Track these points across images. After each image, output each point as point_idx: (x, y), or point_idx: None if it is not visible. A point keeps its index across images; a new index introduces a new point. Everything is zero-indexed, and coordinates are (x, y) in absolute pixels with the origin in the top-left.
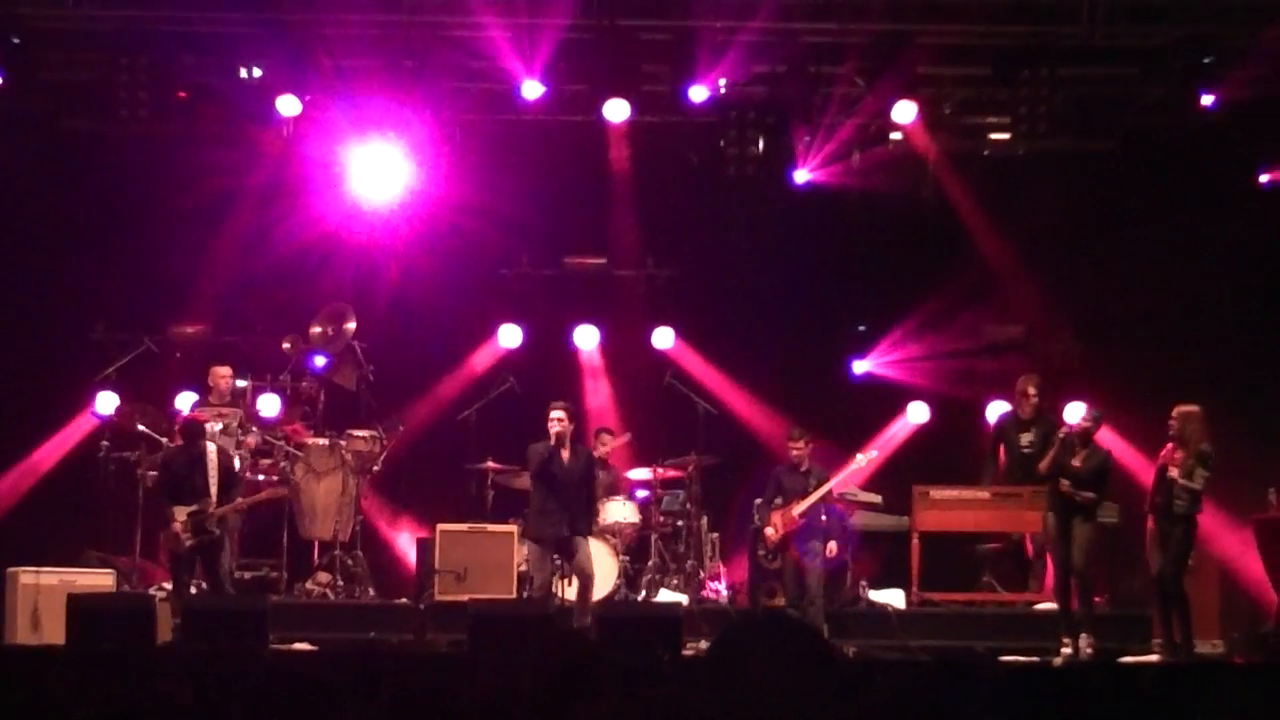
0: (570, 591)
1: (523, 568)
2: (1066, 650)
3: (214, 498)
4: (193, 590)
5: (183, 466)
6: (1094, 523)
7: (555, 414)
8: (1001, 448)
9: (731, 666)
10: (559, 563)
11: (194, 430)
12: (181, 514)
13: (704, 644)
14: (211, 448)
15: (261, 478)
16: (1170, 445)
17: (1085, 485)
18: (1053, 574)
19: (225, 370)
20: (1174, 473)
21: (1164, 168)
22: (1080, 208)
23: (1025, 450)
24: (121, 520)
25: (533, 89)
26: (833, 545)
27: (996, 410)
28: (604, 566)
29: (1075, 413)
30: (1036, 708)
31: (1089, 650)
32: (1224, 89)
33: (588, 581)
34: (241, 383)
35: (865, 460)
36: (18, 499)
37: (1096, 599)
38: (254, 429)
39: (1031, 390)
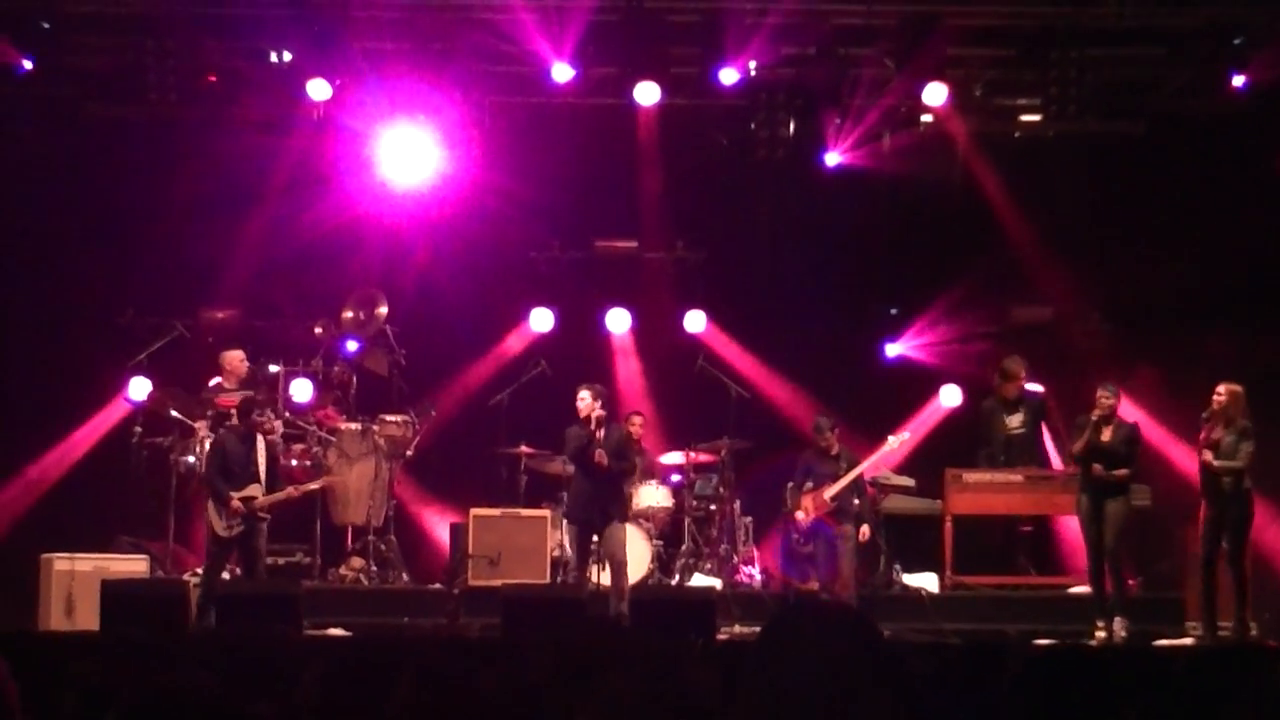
0: (605, 577)
1: (556, 552)
2: (1100, 633)
3: (263, 484)
4: (225, 575)
5: (238, 449)
6: (1126, 502)
7: (581, 395)
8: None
9: (781, 654)
10: (596, 547)
11: (244, 411)
12: (234, 500)
13: (737, 628)
14: (260, 436)
15: (295, 463)
16: (1207, 428)
17: (1119, 459)
18: (1086, 556)
19: (237, 354)
20: (1207, 456)
21: (1192, 150)
22: (1108, 190)
23: (1016, 431)
24: (155, 506)
25: (562, 72)
26: (865, 529)
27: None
28: (637, 551)
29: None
30: (1070, 691)
31: (1123, 633)
32: (1253, 71)
33: (618, 568)
34: (274, 368)
35: (897, 442)
36: (51, 485)
37: (1129, 582)
38: (285, 414)
39: (1020, 371)
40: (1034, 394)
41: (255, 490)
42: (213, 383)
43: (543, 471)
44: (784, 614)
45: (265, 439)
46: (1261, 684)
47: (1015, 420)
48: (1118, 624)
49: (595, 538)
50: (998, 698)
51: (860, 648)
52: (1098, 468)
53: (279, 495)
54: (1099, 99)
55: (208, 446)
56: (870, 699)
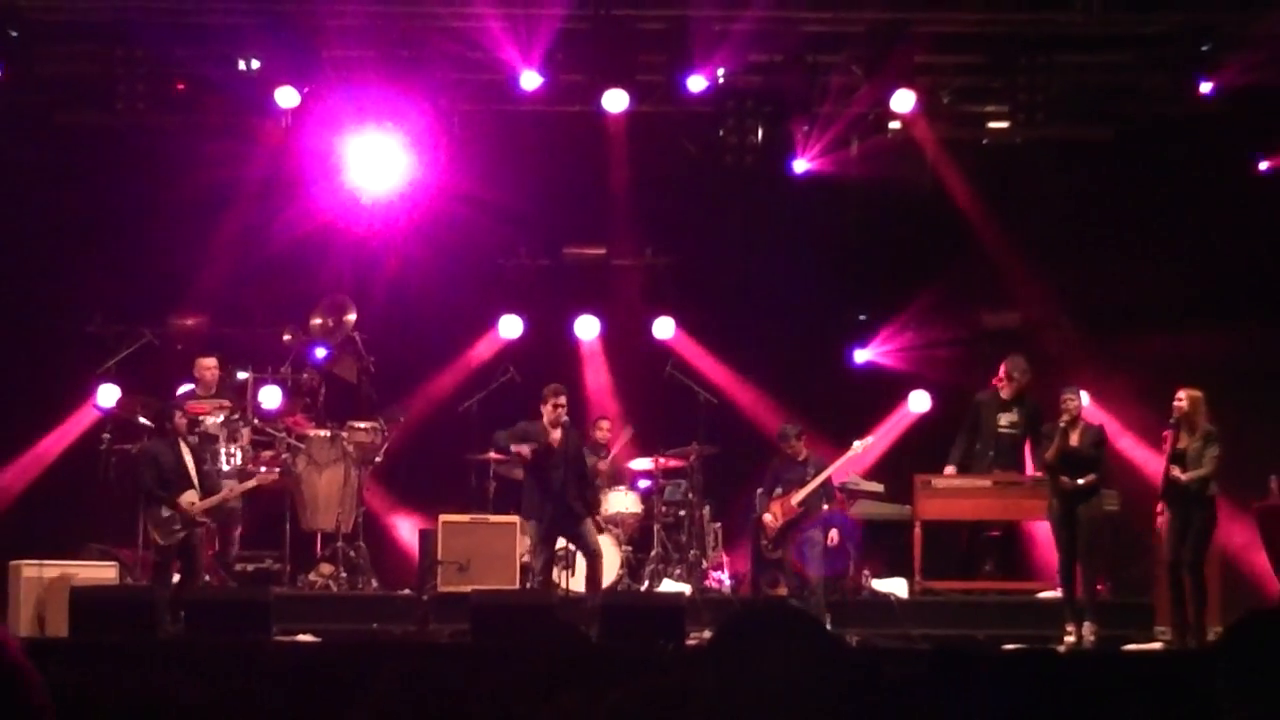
0: (575, 582)
1: (525, 558)
2: (1070, 638)
3: (197, 490)
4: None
5: (169, 457)
6: (1099, 508)
7: (560, 400)
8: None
9: (733, 656)
10: (562, 551)
11: (171, 418)
12: (183, 501)
13: (707, 634)
14: (190, 439)
15: (263, 469)
16: (1170, 436)
17: (1086, 462)
18: (1057, 560)
19: (210, 361)
20: (1175, 471)
21: (1162, 156)
22: (1078, 196)
23: (1005, 430)
24: (124, 513)
25: (530, 79)
26: (834, 533)
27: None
28: (607, 557)
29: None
30: (1040, 695)
31: (1091, 637)
32: (1222, 76)
33: (594, 559)
34: (242, 375)
35: (861, 447)
36: (20, 492)
37: (1099, 587)
38: (256, 422)
39: (1018, 373)
40: (1029, 397)
41: (191, 496)
42: (183, 389)
43: (512, 478)
44: (735, 617)
45: (185, 443)
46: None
47: (1005, 420)
48: (1087, 628)
49: (562, 540)
50: (967, 703)
51: (813, 650)
52: (1065, 479)
53: (214, 499)
54: (1068, 105)
55: (140, 456)
56: (823, 701)
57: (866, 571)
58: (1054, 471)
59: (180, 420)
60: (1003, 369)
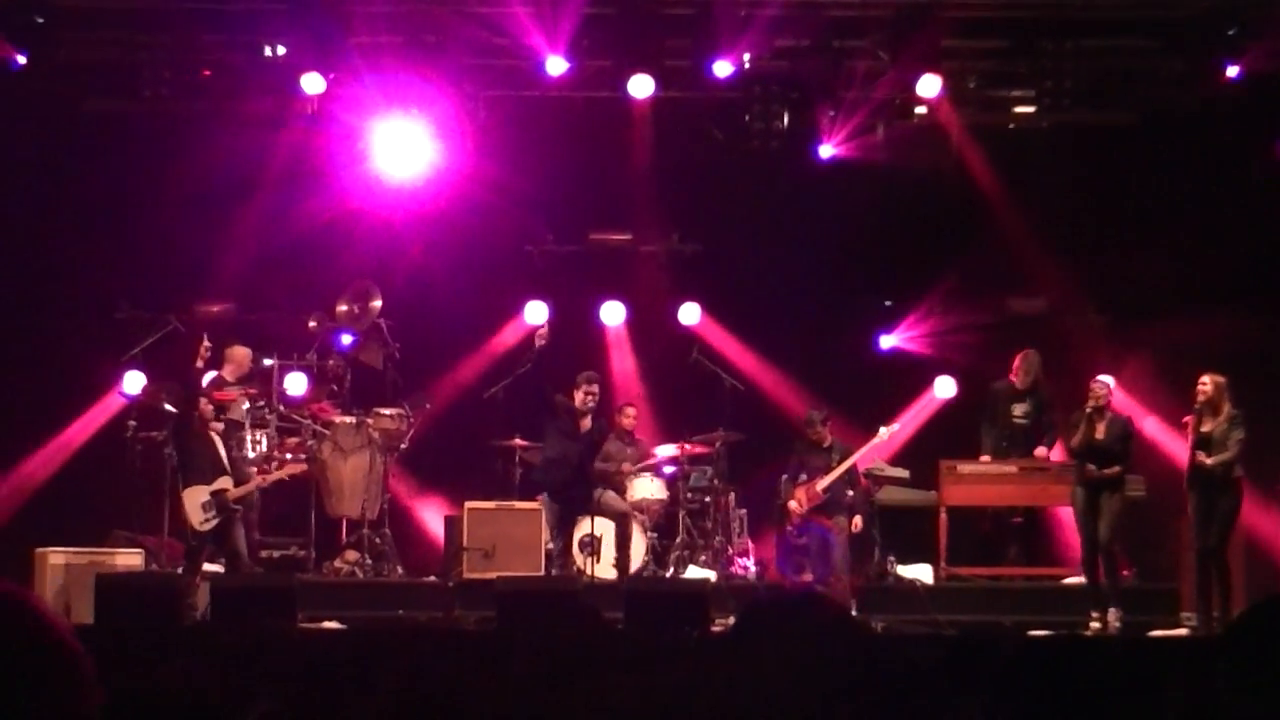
0: (600, 569)
1: (550, 545)
2: (1095, 624)
3: (231, 475)
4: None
5: (200, 441)
6: (1121, 496)
7: (593, 388)
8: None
9: (757, 643)
10: (586, 538)
11: (195, 404)
12: (203, 493)
13: (732, 620)
14: (217, 425)
15: (289, 456)
16: (1191, 418)
17: (1112, 455)
18: (1080, 548)
19: (245, 350)
20: (1200, 456)
21: (1186, 141)
22: (1103, 181)
23: (1019, 420)
24: (149, 499)
25: (556, 65)
26: (858, 520)
27: None
28: (632, 543)
29: (1093, 384)
30: (1065, 681)
31: (1117, 624)
32: (1247, 61)
33: (623, 520)
34: (268, 361)
35: (887, 434)
36: (46, 479)
37: (1124, 573)
38: (278, 407)
39: (1031, 367)
40: (1043, 386)
41: (225, 483)
42: (209, 376)
43: (537, 464)
44: (759, 604)
45: (217, 433)
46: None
47: (1020, 409)
48: (1111, 615)
49: (586, 526)
50: (993, 688)
51: (837, 637)
52: (1091, 467)
53: (248, 487)
54: (1093, 90)
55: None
56: (847, 687)
57: (891, 558)
58: (1079, 460)
59: (206, 407)
60: (1016, 362)
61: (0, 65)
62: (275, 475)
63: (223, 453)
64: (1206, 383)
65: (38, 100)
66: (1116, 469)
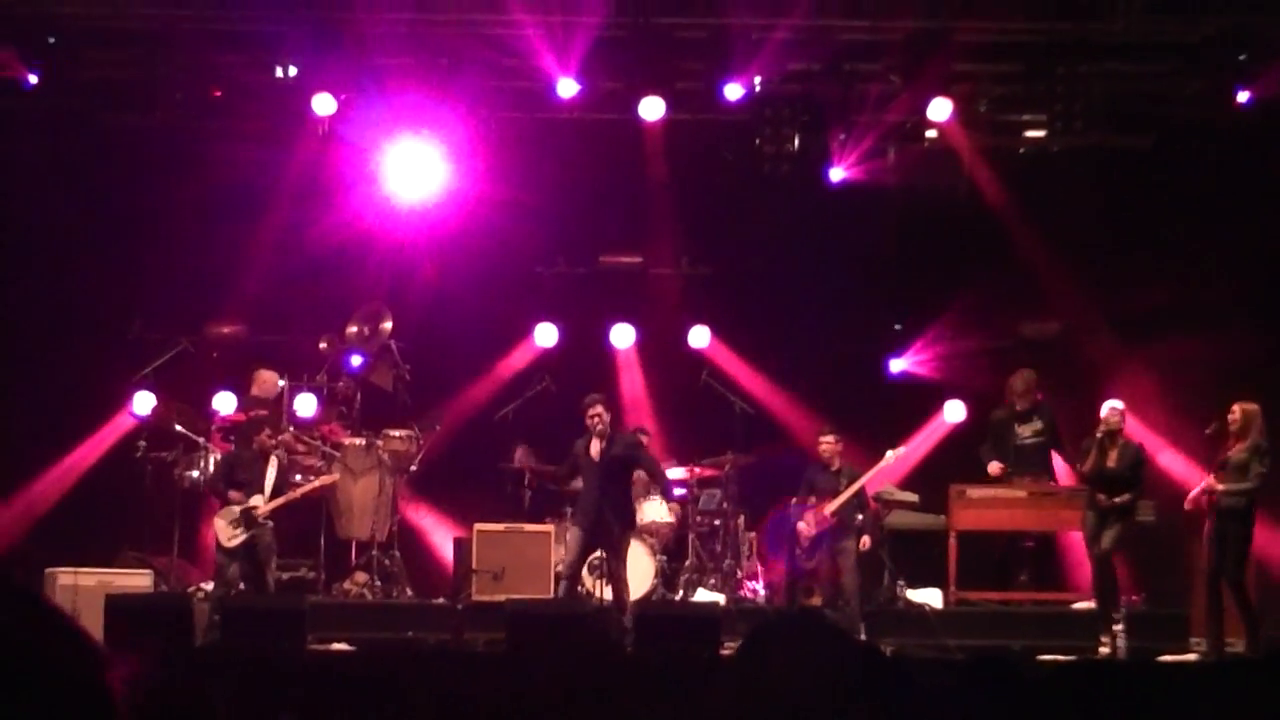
0: (610, 591)
1: (560, 567)
2: (1104, 649)
3: (266, 495)
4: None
5: (249, 460)
6: (1130, 524)
7: (594, 410)
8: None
9: (760, 666)
10: (597, 560)
11: (252, 428)
12: (234, 511)
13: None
14: (278, 452)
15: (299, 477)
16: (1221, 447)
17: (1123, 482)
18: (1091, 572)
19: (272, 375)
20: (1211, 481)
21: (1200, 164)
22: (1116, 204)
23: (1028, 440)
24: (159, 520)
25: (568, 87)
26: (866, 539)
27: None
28: (641, 566)
29: (1111, 409)
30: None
31: (1128, 644)
32: (1260, 84)
33: (617, 583)
34: (280, 382)
35: (894, 457)
36: (56, 500)
37: (1133, 598)
38: (292, 430)
39: (1029, 385)
40: (1044, 402)
41: (258, 500)
42: (220, 396)
43: (547, 487)
44: (763, 627)
45: (278, 459)
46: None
47: (1026, 430)
48: (1120, 639)
49: (600, 551)
50: (1007, 714)
51: (841, 660)
52: (1101, 496)
53: (280, 500)
54: (1105, 113)
55: (214, 460)
56: (852, 711)
57: (901, 581)
58: (1091, 486)
59: (267, 438)
60: (1011, 384)
61: (14, 83)
62: (306, 488)
63: (272, 474)
64: (1236, 412)
65: (50, 119)
66: (1127, 496)
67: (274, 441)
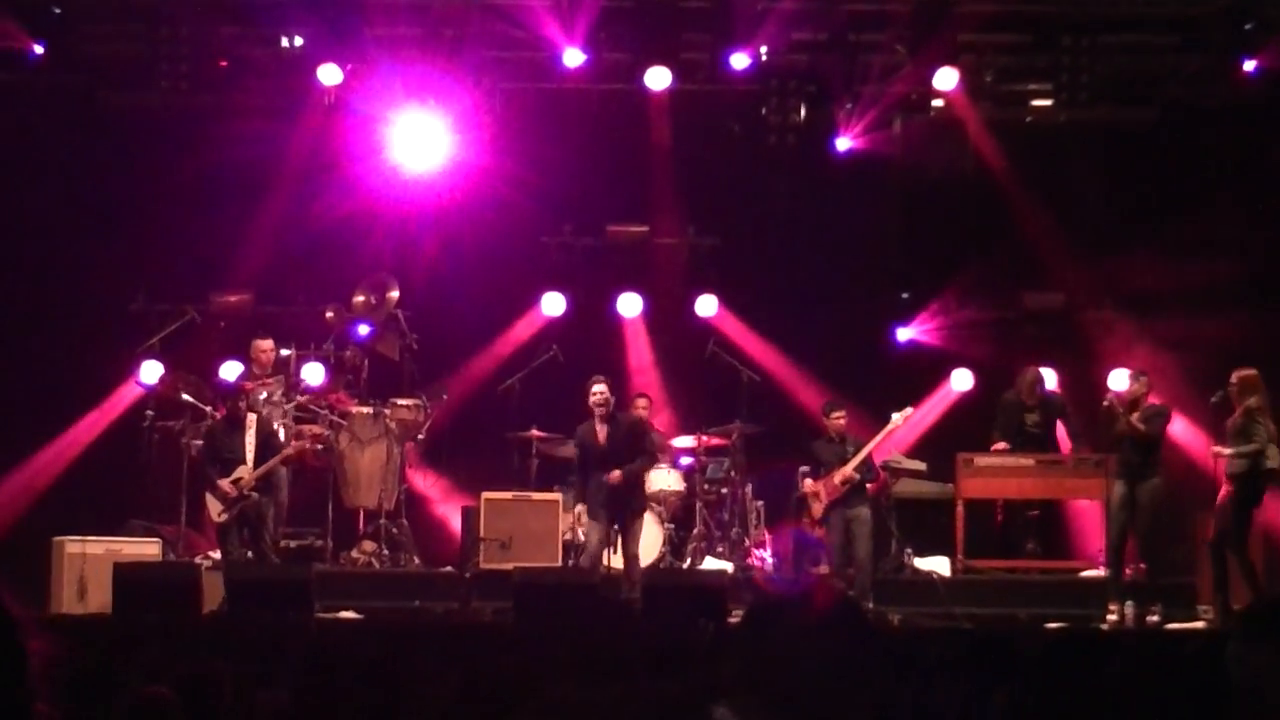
0: (617, 560)
1: (568, 536)
2: (1113, 617)
3: (250, 464)
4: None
5: (221, 436)
6: (1161, 487)
7: (596, 390)
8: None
9: (764, 635)
10: (613, 533)
11: (231, 396)
12: (223, 484)
13: None
14: (252, 416)
15: (306, 445)
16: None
17: (1150, 444)
18: (1107, 539)
19: (267, 344)
20: (1217, 448)
21: (1204, 136)
22: (1121, 177)
23: (1032, 430)
24: (166, 489)
25: (574, 57)
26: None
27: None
28: (649, 535)
29: (1119, 379)
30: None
31: (1155, 618)
32: (1265, 57)
33: (631, 561)
34: (285, 351)
35: (901, 419)
36: (64, 469)
37: (1140, 565)
38: (296, 396)
39: (1039, 381)
40: (1053, 395)
41: (242, 471)
42: (226, 366)
43: (554, 455)
44: (767, 595)
45: (259, 421)
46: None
47: (1032, 419)
48: (1129, 608)
49: (615, 528)
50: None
51: (845, 629)
52: (1130, 460)
53: (263, 468)
54: (1111, 85)
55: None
56: (855, 679)
57: (909, 550)
58: (1119, 449)
59: (241, 404)
60: (1019, 380)
61: (19, 56)
62: (283, 455)
63: (250, 445)
64: (1234, 380)
65: (56, 92)
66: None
67: (253, 402)
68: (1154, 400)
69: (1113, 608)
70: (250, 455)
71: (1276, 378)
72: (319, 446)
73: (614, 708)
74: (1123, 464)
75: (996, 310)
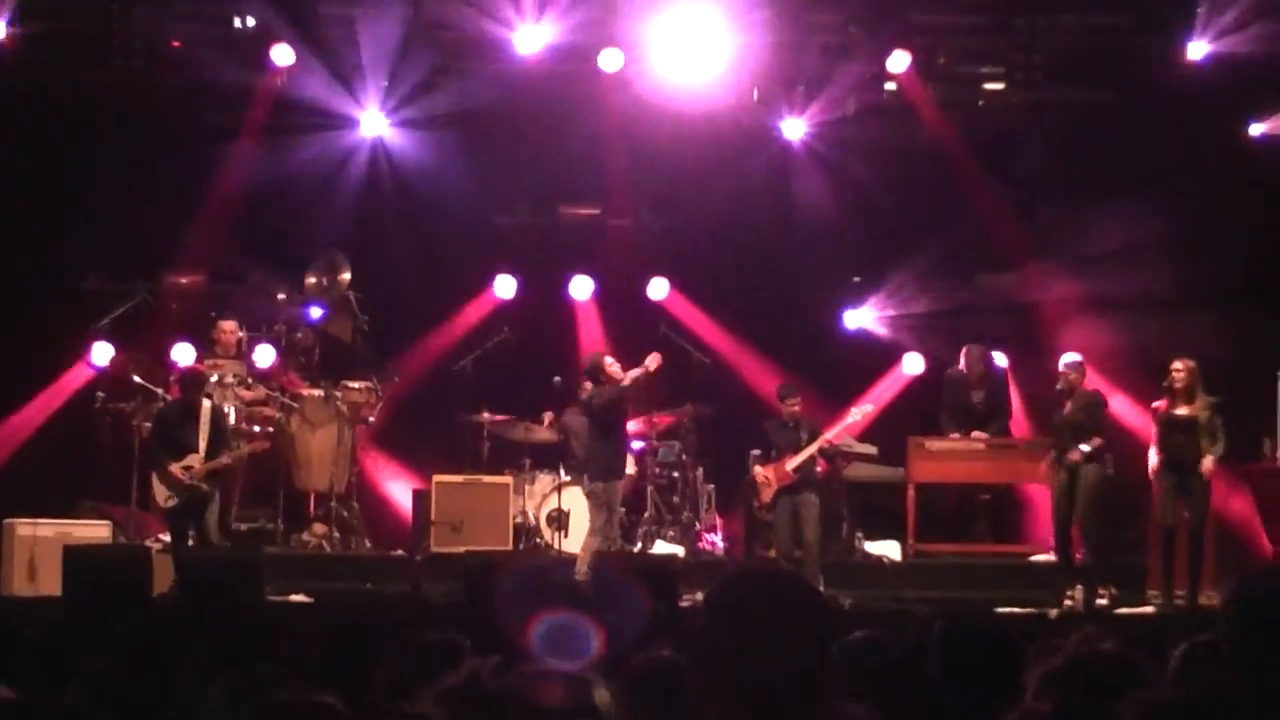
0: (567, 543)
1: (519, 519)
2: (1068, 602)
3: (201, 453)
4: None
5: (175, 421)
6: (1100, 472)
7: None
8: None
9: (726, 619)
10: (554, 511)
11: (191, 384)
12: (174, 469)
13: (699, 596)
14: (207, 404)
15: (256, 429)
16: (1165, 400)
17: (1083, 430)
18: (1053, 525)
19: (230, 324)
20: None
21: (1157, 118)
22: (1075, 158)
23: (976, 404)
24: (117, 471)
25: (528, 37)
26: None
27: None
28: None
29: (1068, 362)
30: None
31: (1104, 601)
32: (1213, 40)
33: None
34: (239, 333)
35: (860, 414)
36: (13, 450)
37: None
38: (251, 381)
39: (976, 358)
40: (997, 370)
41: (193, 460)
42: (179, 347)
43: (506, 438)
44: (727, 580)
45: (213, 411)
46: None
47: (976, 396)
48: (1080, 592)
49: (559, 504)
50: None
51: (805, 613)
52: (1076, 454)
53: (213, 464)
54: (1065, 67)
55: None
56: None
57: (860, 534)
58: (1056, 436)
59: (199, 395)
60: (962, 359)
61: None
62: (237, 454)
63: (204, 430)
64: (1180, 368)
65: (8, 69)
66: (1098, 441)
67: (242, 394)
68: (1087, 387)
69: (1066, 593)
70: (202, 444)
71: (1231, 358)
72: (267, 445)
73: None
74: (1060, 450)
75: (950, 292)
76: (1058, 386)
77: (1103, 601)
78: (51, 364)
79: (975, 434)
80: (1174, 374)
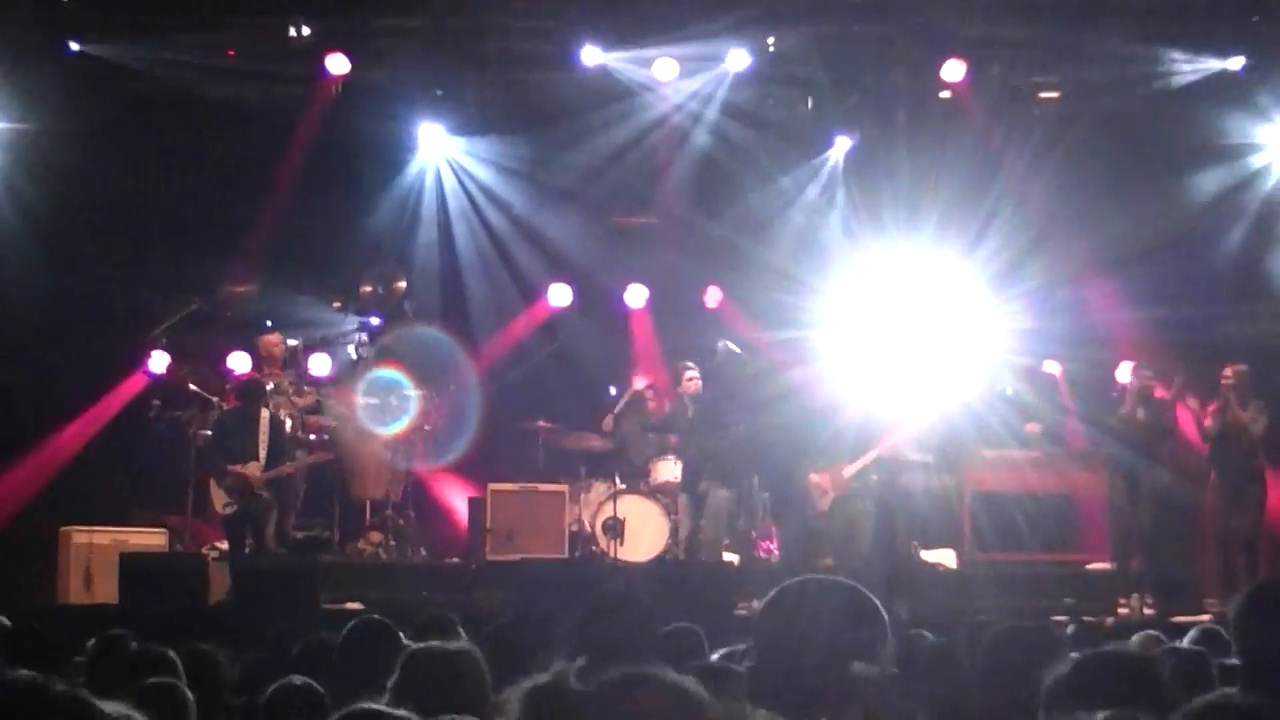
0: (624, 551)
1: (574, 527)
2: (1123, 610)
3: (261, 462)
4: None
5: (234, 430)
6: (1161, 482)
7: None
8: None
9: (782, 627)
10: (610, 520)
11: (250, 393)
12: (233, 471)
13: (755, 604)
14: (266, 413)
15: (313, 437)
16: (1217, 407)
17: (1152, 435)
18: (1113, 533)
19: (274, 338)
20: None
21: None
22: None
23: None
24: (173, 480)
25: (592, 55)
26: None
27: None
28: (655, 526)
29: (1126, 372)
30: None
31: (1149, 611)
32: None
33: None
34: (292, 342)
35: (914, 417)
36: (71, 458)
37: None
38: (306, 389)
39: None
40: (1048, 374)
41: (253, 468)
42: (234, 357)
43: (560, 446)
44: (784, 589)
45: (272, 420)
46: None
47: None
48: (1135, 600)
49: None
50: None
51: (856, 617)
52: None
53: (272, 473)
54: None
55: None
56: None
57: (915, 543)
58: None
59: (258, 403)
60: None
61: (56, 49)
62: (298, 464)
63: (263, 439)
64: (1229, 375)
65: (81, 78)
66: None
67: (297, 402)
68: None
69: (1122, 600)
70: (262, 453)
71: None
72: (329, 456)
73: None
74: (1125, 458)
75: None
76: (1130, 390)
77: (1150, 611)
78: (108, 373)
79: (1029, 426)
80: (1224, 380)
